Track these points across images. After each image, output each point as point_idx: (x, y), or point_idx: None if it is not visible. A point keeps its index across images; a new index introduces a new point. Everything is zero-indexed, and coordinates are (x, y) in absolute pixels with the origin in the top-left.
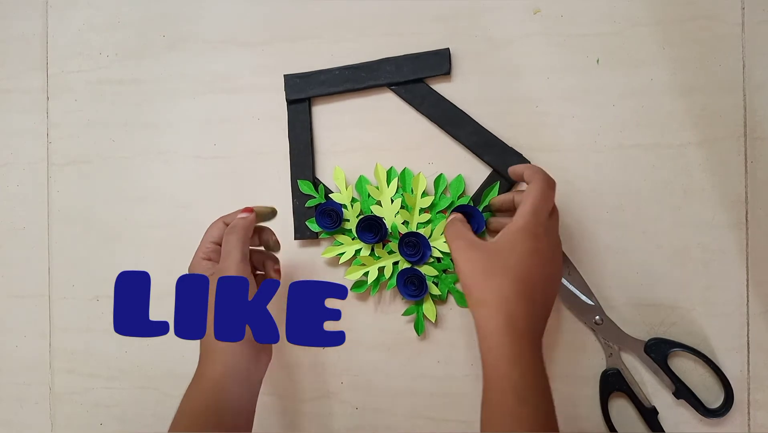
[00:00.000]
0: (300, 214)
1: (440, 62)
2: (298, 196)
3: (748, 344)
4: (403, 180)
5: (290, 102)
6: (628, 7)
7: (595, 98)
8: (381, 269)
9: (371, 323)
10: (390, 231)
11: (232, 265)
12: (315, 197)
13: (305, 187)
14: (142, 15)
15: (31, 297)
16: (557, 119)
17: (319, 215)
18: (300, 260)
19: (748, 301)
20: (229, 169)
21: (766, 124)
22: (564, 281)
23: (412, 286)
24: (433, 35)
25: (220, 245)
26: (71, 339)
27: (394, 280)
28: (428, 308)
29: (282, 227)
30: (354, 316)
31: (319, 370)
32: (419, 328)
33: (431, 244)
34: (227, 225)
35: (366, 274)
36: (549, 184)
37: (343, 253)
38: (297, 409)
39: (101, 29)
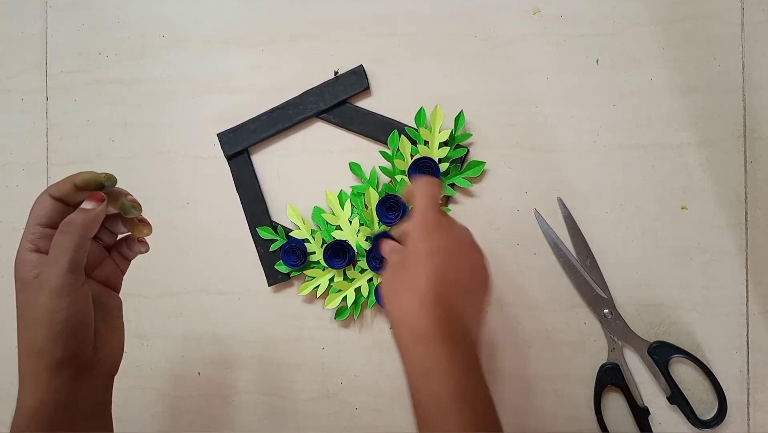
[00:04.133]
0: (267, 260)
1: (359, 80)
2: (261, 244)
3: (747, 344)
4: (356, 199)
5: (229, 157)
6: (628, 7)
7: (594, 98)
8: (358, 290)
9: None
10: (357, 251)
11: (54, 277)
12: (277, 240)
13: (265, 232)
14: (142, 15)
15: None
16: (557, 119)
17: (285, 255)
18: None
19: (747, 301)
20: (227, 169)
21: (766, 125)
22: (580, 269)
23: None
24: (433, 35)
25: (51, 227)
26: None
27: (373, 298)
28: None
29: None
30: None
31: (319, 370)
32: None
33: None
34: (56, 201)
35: (344, 299)
36: (428, 183)
37: (318, 285)
38: (297, 409)
39: (101, 29)
